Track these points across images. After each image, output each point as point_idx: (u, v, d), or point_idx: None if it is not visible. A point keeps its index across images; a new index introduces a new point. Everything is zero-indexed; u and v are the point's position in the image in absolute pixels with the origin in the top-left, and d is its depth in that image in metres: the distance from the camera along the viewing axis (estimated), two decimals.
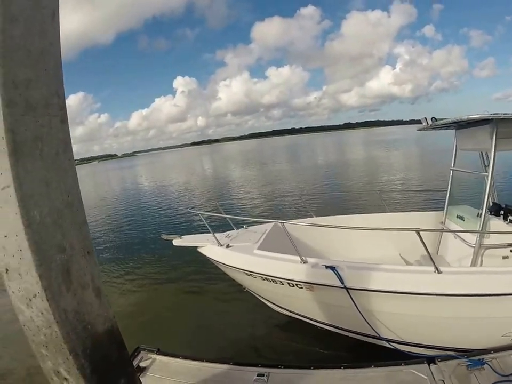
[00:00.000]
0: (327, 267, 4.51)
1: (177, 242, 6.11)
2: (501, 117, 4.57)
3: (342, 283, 4.33)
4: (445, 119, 5.49)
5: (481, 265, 5.00)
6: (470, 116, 4.81)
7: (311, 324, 5.57)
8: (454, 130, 6.29)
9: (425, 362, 3.65)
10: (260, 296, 5.96)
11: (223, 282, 6.96)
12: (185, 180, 35.72)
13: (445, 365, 3.57)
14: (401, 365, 3.66)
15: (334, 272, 4.40)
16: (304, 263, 4.78)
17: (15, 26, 1.52)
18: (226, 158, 65.58)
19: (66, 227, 1.78)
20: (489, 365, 3.49)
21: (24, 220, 1.57)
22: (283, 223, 5.08)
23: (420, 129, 6.49)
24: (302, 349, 5.50)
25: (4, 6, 1.46)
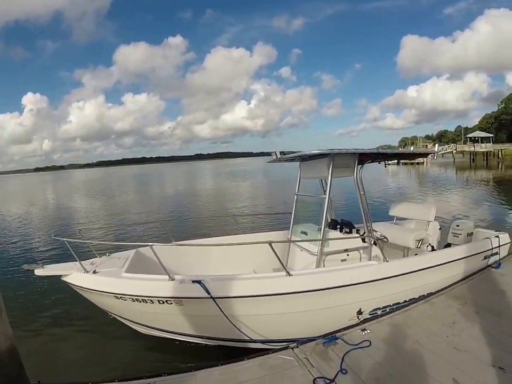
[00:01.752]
0: (193, 281, 4.88)
1: (39, 272, 5.85)
2: (336, 152, 5.70)
3: (209, 294, 4.76)
4: (292, 152, 6.45)
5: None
6: (312, 151, 5.87)
7: (181, 340, 5.76)
8: (298, 162, 7.30)
9: (289, 348, 4.44)
10: (128, 320, 5.94)
11: (89, 310, 6.56)
12: (33, 209, 32.11)
13: (305, 347, 4.44)
14: (269, 353, 4.36)
15: (201, 285, 4.80)
16: (172, 280, 5.04)
17: None
18: (77, 187, 62.59)
19: None
20: (341, 339, 4.52)
21: None
22: (152, 245, 5.22)
23: (269, 161, 7.18)
24: (176, 365, 5.54)
25: None
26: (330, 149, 5.69)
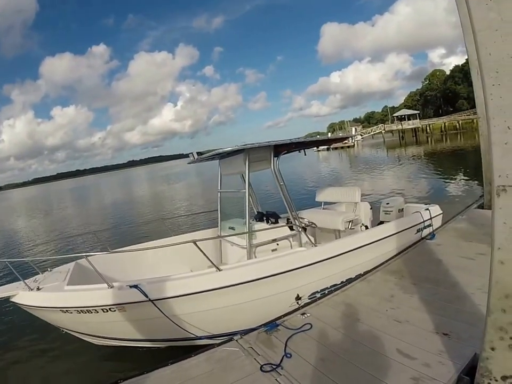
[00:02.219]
0: (131, 286, 4.91)
1: None
2: (250, 147, 5.84)
3: (147, 296, 4.79)
4: (212, 150, 6.43)
5: None
6: (227, 149, 5.94)
7: (134, 346, 5.78)
8: (218, 161, 7.54)
9: (233, 339, 4.56)
10: (79, 333, 5.89)
11: (41, 328, 6.60)
12: None
13: (249, 336, 4.54)
14: (215, 347, 4.45)
15: (138, 289, 4.82)
16: (111, 287, 5.04)
17: None
18: (13, 208, 60.04)
19: None
20: (283, 325, 4.63)
21: None
22: (86, 255, 5.30)
23: (189, 163, 7.52)
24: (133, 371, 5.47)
25: None
26: (245, 144, 5.85)
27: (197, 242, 5.04)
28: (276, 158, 6.46)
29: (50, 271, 6.46)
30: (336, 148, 65.88)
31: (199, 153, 6.65)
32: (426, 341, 3.79)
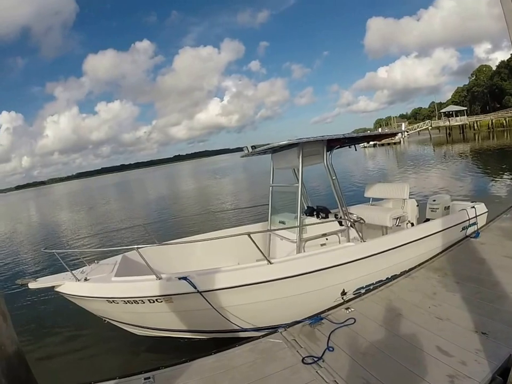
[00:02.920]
0: (179, 278, 5.03)
1: (33, 285, 5.85)
2: (304, 141, 5.84)
3: (195, 288, 4.90)
4: (264, 145, 6.55)
5: None
6: (281, 143, 5.99)
7: (175, 337, 5.90)
8: (270, 155, 7.58)
9: (277, 331, 4.64)
10: (122, 323, 6.04)
11: (83, 317, 6.67)
12: (20, 227, 32.10)
13: (293, 329, 4.63)
14: (259, 338, 4.56)
15: (187, 281, 4.94)
16: (159, 279, 5.15)
17: None
18: (59, 202, 60.54)
19: None
20: (327, 319, 4.71)
21: None
22: (137, 247, 5.33)
23: (242, 156, 7.55)
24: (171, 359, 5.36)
25: None
26: (299, 138, 5.83)
27: (238, 238, 5.20)
28: (328, 153, 6.52)
29: (97, 263, 6.66)
30: (382, 144, 64.70)
31: (253, 147, 6.71)
32: (464, 339, 3.81)
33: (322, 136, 6.11)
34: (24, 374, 2.07)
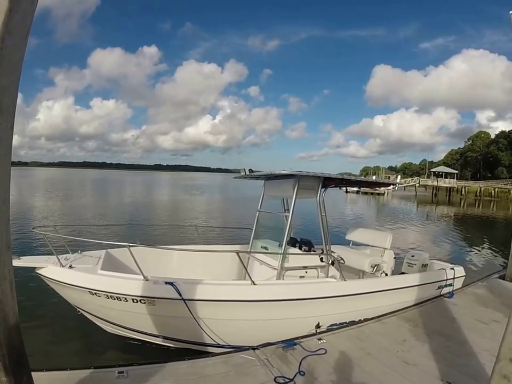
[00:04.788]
0: (166, 283, 5.14)
1: (15, 262, 5.64)
2: (303, 174, 6.08)
3: (180, 295, 5.02)
4: (259, 171, 6.98)
5: None
6: (280, 171, 6.27)
7: (145, 341, 5.92)
8: (263, 181, 7.76)
9: (250, 349, 4.79)
10: (96, 317, 6.04)
11: (56, 304, 6.70)
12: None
13: (266, 349, 4.79)
14: (232, 352, 4.75)
15: (173, 287, 5.06)
16: (146, 280, 5.24)
17: (10, 37, 1.67)
18: (45, 186, 61.28)
19: (0, 221, 1.87)
20: (300, 345, 4.90)
21: None
22: (128, 245, 5.41)
23: (236, 177, 7.89)
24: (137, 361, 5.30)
25: (6, 20, 1.61)
26: (298, 171, 6.08)
27: (217, 255, 5.68)
28: (323, 190, 6.73)
29: (81, 253, 6.67)
30: (366, 193, 64.94)
31: (250, 170, 6.96)
32: None
33: (323, 173, 6.42)
34: (20, 348, 2.11)
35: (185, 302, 5.04)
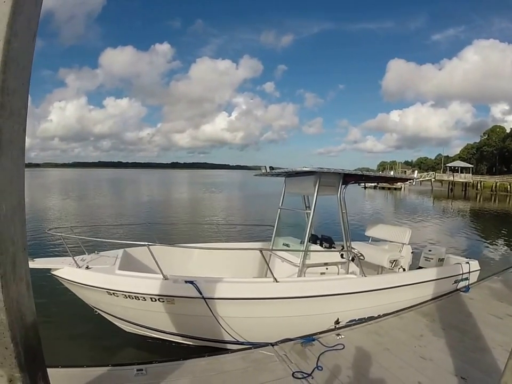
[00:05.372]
0: (186, 281, 5.13)
1: (30, 265, 5.72)
2: (324, 171, 6.14)
3: (201, 294, 5.03)
4: (279, 168, 7.02)
5: None
6: (300, 168, 6.19)
7: (164, 339, 5.95)
8: (284, 178, 7.76)
9: (269, 345, 4.88)
10: (114, 317, 6.07)
11: (74, 304, 6.55)
12: None
13: (284, 345, 4.88)
14: (251, 349, 4.84)
15: (194, 285, 5.06)
16: (166, 279, 5.25)
17: (16, 40, 1.73)
18: (59, 187, 61.30)
19: (16, 223, 1.93)
20: (318, 341, 4.98)
21: None
22: (148, 244, 5.34)
23: (257, 175, 7.89)
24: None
25: (10, 22, 1.67)
26: (318, 167, 6.06)
27: (238, 253, 5.66)
28: (343, 186, 6.73)
29: (97, 253, 6.71)
30: (383, 188, 64.25)
31: (271, 168, 6.96)
32: (445, 380, 4.09)
33: (343, 170, 6.45)
34: (36, 346, 2.14)
35: (205, 301, 5.05)
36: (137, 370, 4.10)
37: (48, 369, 2.38)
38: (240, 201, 42.70)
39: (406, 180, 10.42)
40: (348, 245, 6.50)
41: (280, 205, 7.74)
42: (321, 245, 6.90)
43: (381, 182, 9.79)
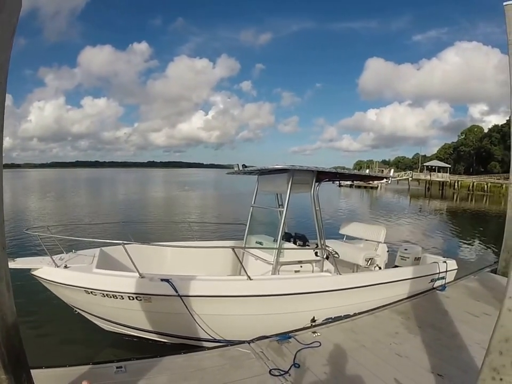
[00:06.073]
0: (162, 280, 5.16)
1: (11, 265, 5.65)
2: (297, 168, 6.04)
3: (176, 292, 5.05)
4: (252, 166, 6.97)
5: None
6: (273, 166, 6.15)
7: (142, 337, 5.95)
8: (257, 176, 7.81)
9: (245, 342, 4.88)
10: (93, 315, 6.06)
11: (53, 304, 6.64)
12: None
13: (261, 342, 4.89)
14: (227, 346, 4.86)
15: (169, 283, 5.09)
16: (142, 277, 5.25)
17: None
18: (39, 187, 59.89)
19: None
20: (294, 339, 4.99)
21: None
22: (123, 243, 5.37)
23: (229, 173, 7.98)
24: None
25: None
26: (291, 165, 5.99)
27: (212, 251, 5.69)
28: (317, 184, 6.68)
29: (75, 252, 6.66)
30: (359, 186, 64.71)
31: (244, 166, 6.94)
32: (421, 377, 4.13)
33: (316, 167, 6.40)
34: (18, 346, 2.13)
35: (181, 298, 5.06)
36: (117, 367, 4.10)
37: (31, 370, 2.39)
38: (214, 199, 42.92)
39: (382, 178, 10.49)
40: (322, 242, 6.49)
41: (252, 203, 7.77)
42: (295, 243, 6.84)
43: (356, 180, 9.72)
